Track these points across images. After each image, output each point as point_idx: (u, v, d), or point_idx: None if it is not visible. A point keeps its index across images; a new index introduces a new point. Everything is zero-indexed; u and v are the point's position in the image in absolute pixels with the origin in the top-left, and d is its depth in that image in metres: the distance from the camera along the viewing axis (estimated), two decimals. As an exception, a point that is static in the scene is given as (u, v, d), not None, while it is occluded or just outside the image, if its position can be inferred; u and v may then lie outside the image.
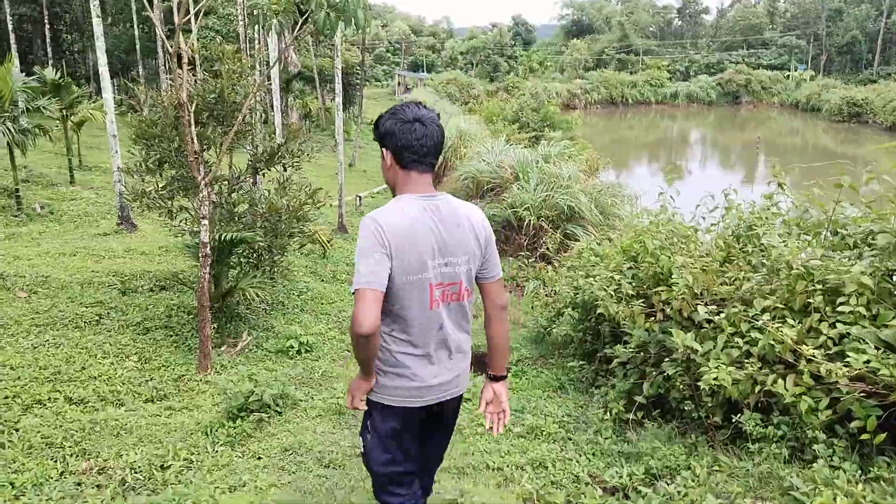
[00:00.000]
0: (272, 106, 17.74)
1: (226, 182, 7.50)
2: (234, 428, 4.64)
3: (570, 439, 4.28)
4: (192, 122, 6.08)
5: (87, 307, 7.52)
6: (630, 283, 4.78)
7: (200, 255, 6.21)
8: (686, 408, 4.08)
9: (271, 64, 8.13)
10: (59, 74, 15.58)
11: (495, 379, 2.53)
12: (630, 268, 5.06)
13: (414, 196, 2.32)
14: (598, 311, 4.90)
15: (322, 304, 8.78)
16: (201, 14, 6.57)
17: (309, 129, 28.20)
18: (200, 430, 4.75)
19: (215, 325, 7.13)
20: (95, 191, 15.54)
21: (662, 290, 4.30)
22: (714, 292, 4.21)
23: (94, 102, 17.58)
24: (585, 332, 5.84)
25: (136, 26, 27.51)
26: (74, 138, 17.85)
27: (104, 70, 10.69)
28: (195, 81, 7.00)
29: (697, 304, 4.05)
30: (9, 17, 24.42)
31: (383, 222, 2.24)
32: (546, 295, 7.46)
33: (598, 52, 73.31)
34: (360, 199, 15.68)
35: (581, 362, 5.61)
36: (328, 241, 10.76)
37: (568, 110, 43.13)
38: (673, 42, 79.83)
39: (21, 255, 9.48)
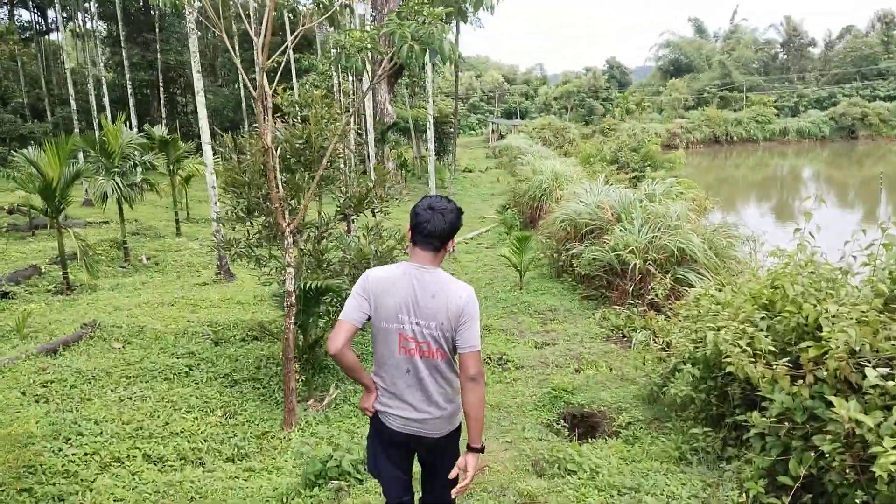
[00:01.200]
0: (368, 156, 17.92)
1: (315, 229, 7.28)
2: (311, 497, 4.20)
3: (700, 528, 3.55)
4: (277, 167, 5.89)
5: (178, 358, 7.43)
6: (765, 336, 4.03)
7: (285, 304, 5.93)
8: (849, 495, 3.27)
9: (358, 105, 7.87)
10: (166, 131, 16.39)
11: (469, 449, 2.81)
12: (763, 318, 4.30)
13: (409, 264, 2.82)
14: (727, 369, 4.15)
15: (413, 355, 8.34)
16: (290, 61, 6.45)
17: (404, 177, 28.50)
18: (277, 497, 4.35)
19: (302, 378, 6.82)
20: (199, 242, 16.03)
21: (810, 347, 3.54)
22: (877, 349, 3.41)
23: (199, 158, 18.39)
24: (709, 393, 5.05)
25: (242, 86, 28.96)
26: (182, 192, 18.68)
27: (204, 123, 10.97)
28: (284, 127, 6.88)
29: (861, 365, 3.28)
30: (128, 82, 26.26)
31: (371, 276, 2.86)
32: (659, 348, 6.69)
33: (698, 91, 71.17)
34: (453, 245, 15.33)
35: (705, 429, 4.83)
36: (421, 289, 10.40)
37: (668, 150, 41.64)
38: (779, 77, 76.33)
39: (122, 305, 9.66)
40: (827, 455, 3.29)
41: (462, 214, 2.90)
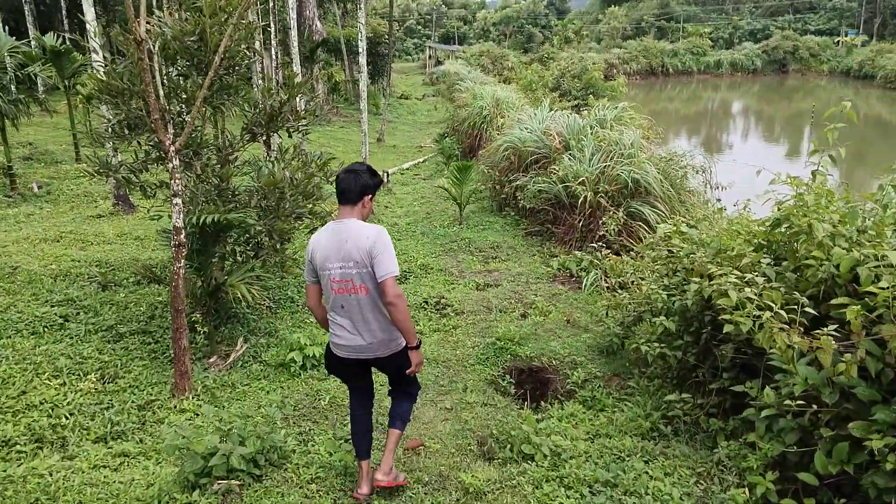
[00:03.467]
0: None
1: (217, 151, 6.03)
2: (190, 504, 3.19)
3: (701, 543, 2.73)
4: (157, 68, 4.60)
5: (53, 306, 6.18)
6: (777, 289, 3.16)
7: (172, 243, 4.76)
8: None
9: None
10: (60, 41, 14.26)
11: (409, 349, 3.38)
12: (770, 264, 3.44)
13: (333, 222, 3.38)
14: (726, 329, 3.29)
15: (339, 298, 7.30)
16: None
17: (336, 102, 26.73)
18: (146, 500, 3.32)
19: (204, 330, 5.72)
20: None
21: (852, 307, 2.69)
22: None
23: (101, 72, 16.28)
24: (686, 351, 4.25)
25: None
26: (85, 112, 16.61)
27: (91, 27, 9.27)
28: (172, 21, 5.49)
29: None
30: (22, -10, 23.17)
31: (311, 240, 3.43)
32: (610, 290, 5.87)
33: (636, 20, 70.17)
34: (387, 176, 14.13)
35: (683, 395, 4.03)
36: (349, 223, 9.24)
37: (605, 81, 40.82)
38: (715, 7, 76.05)
39: (-5, 241, 8.20)
40: (872, 453, 2.48)
41: (375, 175, 3.40)
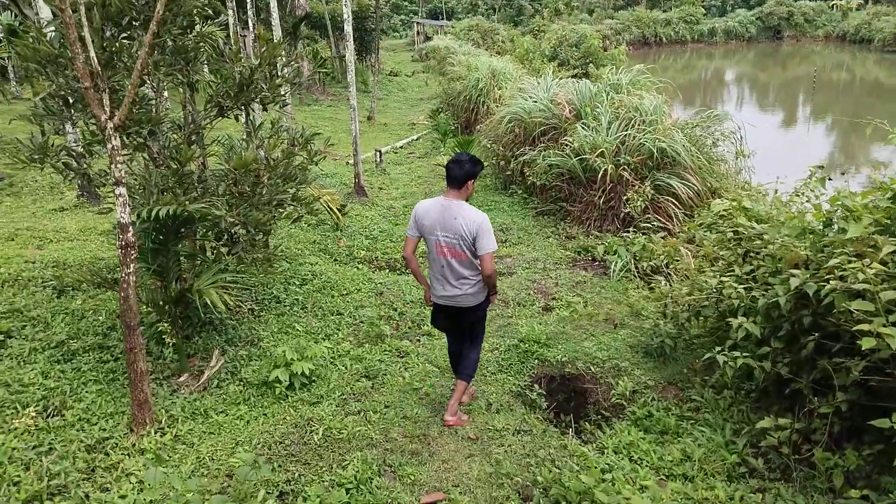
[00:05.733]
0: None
1: (177, 128, 5.04)
2: None
3: None
4: (83, 21, 3.60)
5: (-7, 319, 5.21)
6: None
7: (119, 243, 3.79)
8: None
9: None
10: (16, 19, 13.10)
11: (491, 294, 4.25)
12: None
13: (442, 198, 4.03)
14: (865, 345, 2.36)
15: (333, 296, 6.34)
16: None
17: (323, 80, 25.57)
18: None
19: (173, 343, 4.77)
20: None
21: None
22: None
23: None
24: (776, 360, 3.33)
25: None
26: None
27: (39, -5, 8.20)
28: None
29: None
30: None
31: (418, 206, 4.12)
32: (641, 277, 4.95)
33: (628, -10, 68.63)
34: (380, 155, 13.10)
35: (779, 420, 3.11)
36: (341, 209, 8.25)
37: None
38: (708, -25, 74.50)
39: (-65, 242, 7.19)
40: None
41: (477, 164, 4.06)
